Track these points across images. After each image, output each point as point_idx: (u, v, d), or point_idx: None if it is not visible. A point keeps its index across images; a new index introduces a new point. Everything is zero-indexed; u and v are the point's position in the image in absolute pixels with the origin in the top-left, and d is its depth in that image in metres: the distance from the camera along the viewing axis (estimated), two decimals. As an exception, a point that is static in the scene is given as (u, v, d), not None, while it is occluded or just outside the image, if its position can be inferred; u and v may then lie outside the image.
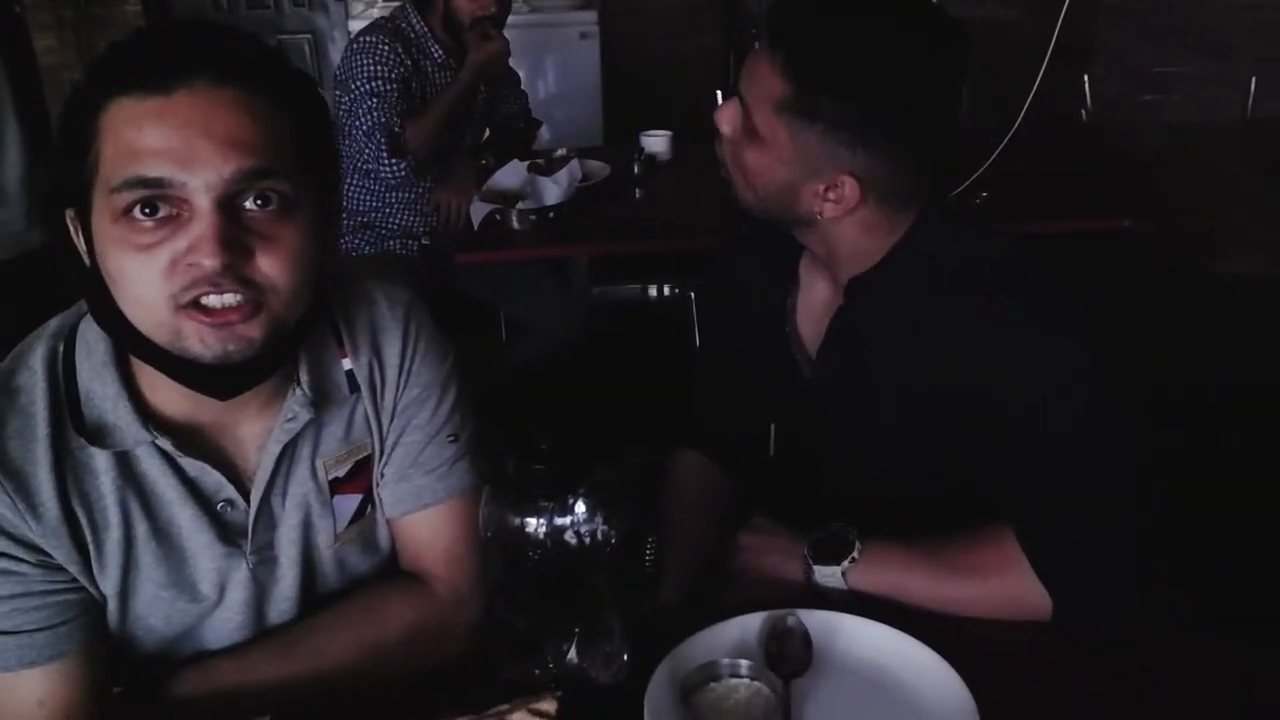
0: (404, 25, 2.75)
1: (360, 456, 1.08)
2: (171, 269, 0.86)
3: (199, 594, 1.02)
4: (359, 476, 1.08)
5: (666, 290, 3.21)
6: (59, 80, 4.84)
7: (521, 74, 3.16)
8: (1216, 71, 3.62)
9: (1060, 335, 1.11)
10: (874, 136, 1.10)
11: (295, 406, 1.01)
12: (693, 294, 2.86)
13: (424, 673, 1.06)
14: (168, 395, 0.96)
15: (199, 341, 0.87)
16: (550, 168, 2.65)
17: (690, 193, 2.84)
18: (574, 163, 2.64)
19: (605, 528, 0.98)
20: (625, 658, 1.03)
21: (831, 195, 1.13)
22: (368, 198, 2.83)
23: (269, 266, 0.88)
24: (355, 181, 2.80)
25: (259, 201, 0.88)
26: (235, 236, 0.86)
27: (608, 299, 3.24)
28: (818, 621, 1.07)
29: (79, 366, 0.96)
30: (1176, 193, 2.54)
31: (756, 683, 0.99)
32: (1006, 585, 1.10)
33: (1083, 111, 3.46)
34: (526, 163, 2.67)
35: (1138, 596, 1.08)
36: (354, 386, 1.06)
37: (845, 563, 1.15)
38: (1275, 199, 2.55)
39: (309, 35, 4.72)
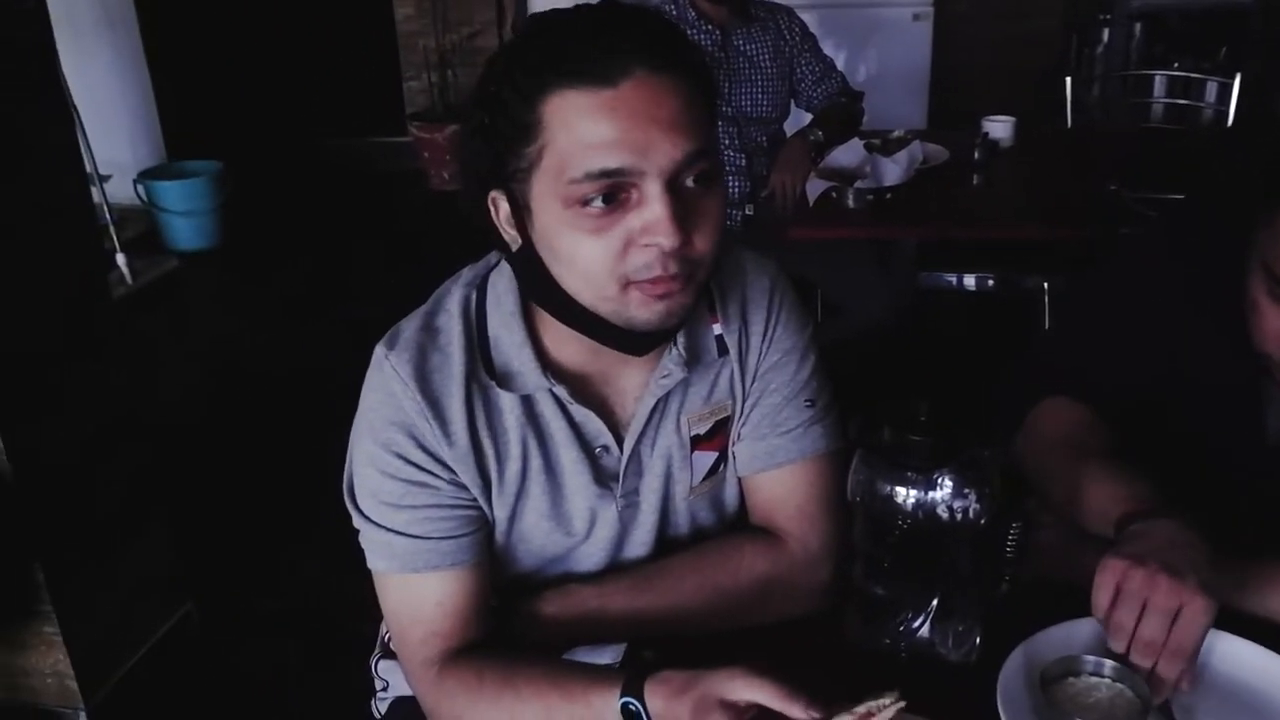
0: (667, 5, 2.80)
1: (720, 416, 1.13)
2: (625, 249, 0.92)
3: (572, 528, 1.11)
4: (717, 435, 1.13)
5: (990, 282, 3.07)
6: (414, 46, 5.30)
7: (844, 55, 3.11)
8: None
9: None
10: None
11: (670, 364, 1.07)
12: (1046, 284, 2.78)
13: (771, 625, 1.09)
14: (566, 347, 1.05)
15: (644, 310, 0.95)
16: (887, 148, 2.61)
17: (1032, 181, 2.72)
18: (915, 144, 2.59)
19: (976, 505, 0.97)
20: (978, 640, 1.02)
21: None
22: None
23: (700, 240, 0.94)
24: None
25: (694, 180, 0.93)
26: (683, 216, 0.92)
27: (926, 285, 3.14)
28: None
29: (489, 315, 1.07)
30: None
31: (1120, 685, 0.95)
32: None
33: None
34: (864, 142, 2.65)
35: None
36: (722, 350, 1.11)
37: None
38: None
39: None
